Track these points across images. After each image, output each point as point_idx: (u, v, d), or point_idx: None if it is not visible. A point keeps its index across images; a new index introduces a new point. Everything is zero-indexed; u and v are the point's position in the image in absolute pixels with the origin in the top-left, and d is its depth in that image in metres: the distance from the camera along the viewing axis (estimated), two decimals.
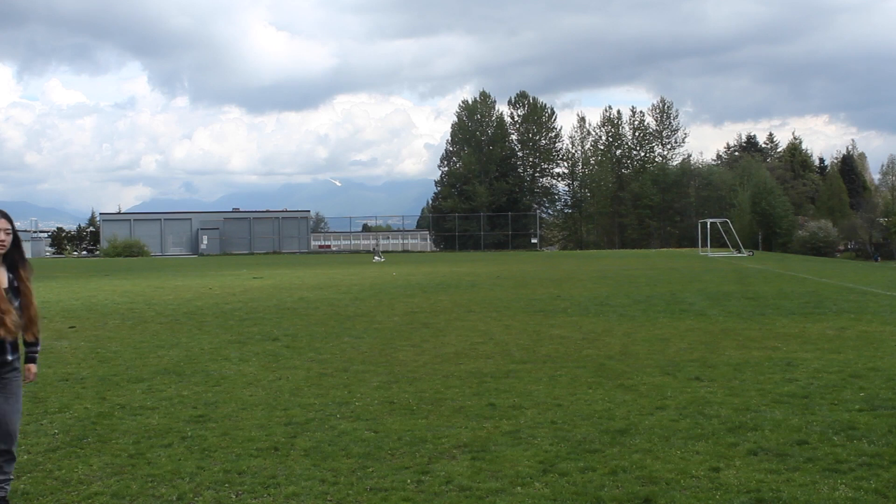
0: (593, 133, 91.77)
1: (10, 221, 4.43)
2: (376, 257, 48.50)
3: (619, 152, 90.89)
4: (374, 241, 53.45)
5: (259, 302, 17.41)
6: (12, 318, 4.31)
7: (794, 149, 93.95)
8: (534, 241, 79.80)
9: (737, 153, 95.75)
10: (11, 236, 4.40)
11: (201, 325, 13.00)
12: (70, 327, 13.01)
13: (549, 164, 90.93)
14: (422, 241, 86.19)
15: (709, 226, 53.89)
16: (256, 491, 4.76)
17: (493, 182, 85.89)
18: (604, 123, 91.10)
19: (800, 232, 70.46)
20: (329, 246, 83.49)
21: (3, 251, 4.37)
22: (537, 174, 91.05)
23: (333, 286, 22.62)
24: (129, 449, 5.65)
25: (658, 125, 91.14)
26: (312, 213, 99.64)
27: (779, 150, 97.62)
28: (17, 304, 4.36)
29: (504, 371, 8.50)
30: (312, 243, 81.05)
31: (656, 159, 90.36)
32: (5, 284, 4.37)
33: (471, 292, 19.62)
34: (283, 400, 7.19)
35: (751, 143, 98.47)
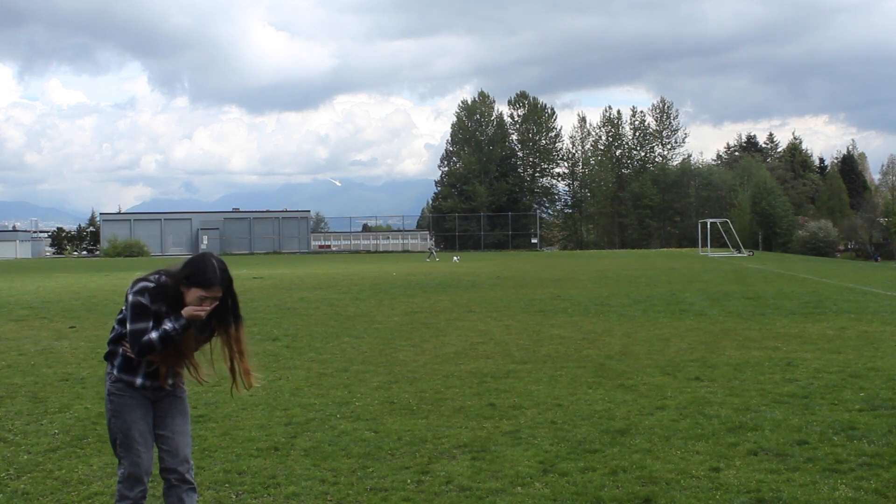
0: (593, 133, 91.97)
1: (229, 285, 3.71)
2: (428, 257, 47.99)
3: (619, 152, 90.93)
4: (430, 241, 52.86)
5: (259, 302, 17.41)
6: (190, 361, 3.82)
7: (794, 149, 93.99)
8: (534, 241, 79.80)
9: (737, 153, 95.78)
10: (218, 303, 3.70)
11: None
12: (70, 327, 13.01)
13: (549, 164, 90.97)
14: (422, 242, 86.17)
15: (709, 226, 53.92)
16: (256, 491, 4.76)
17: (493, 182, 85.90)
18: (604, 123, 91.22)
19: (800, 232, 70.49)
20: (329, 246, 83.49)
21: (197, 321, 3.67)
22: (537, 174, 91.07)
23: (333, 286, 22.62)
24: None
25: (658, 125, 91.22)
26: (312, 213, 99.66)
27: (779, 150, 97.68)
28: (200, 335, 3.79)
29: (504, 371, 8.50)
30: (312, 243, 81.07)
31: (656, 159, 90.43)
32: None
33: (471, 292, 19.62)
34: (283, 400, 7.19)
35: (751, 143, 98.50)
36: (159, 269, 3.77)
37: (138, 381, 3.74)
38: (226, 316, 3.78)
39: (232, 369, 3.87)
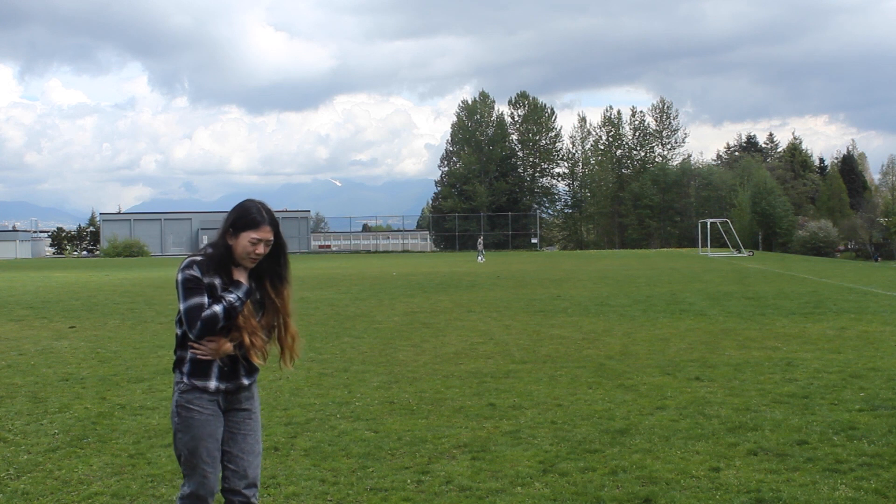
0: (593, 133, 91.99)
1: (276, 228, 3.46)
2: (480, 257, 47.26)
3: (619, 152, 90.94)
4: (480, 241, 51.86)
5: None
6: (262, 339, 3.44)
7: (794, 149, 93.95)
8: (534, 241, 79.82)
9: (737, 153, 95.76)
10: (271, 248, 3.45)
11: None
12: (70, 327, 13.02)
13: (549, 164, 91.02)
14: (422, 241, 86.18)
15: (709, 226, 53.93)
16: None
17: (493, 182, 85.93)
18: (604, 123, 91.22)
19: (800, 232, 70.46)
20: (329, 246, 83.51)
21: (252, 265, 3.43)
22: (537, 174, 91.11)
23: (333, 286, 22.62)
24: (129, 449, 5.64)
25: (658, 125, 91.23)
26: (312, 213, 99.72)
27: (779, 150, 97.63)
28: (258, 318, 3.46)
29: (504, 371, 8.50)
30: (312, 243, 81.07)
31: (656, 159, 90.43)
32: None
33: (471, 292, 19.62)
34: (283, 400, 7.19)
35: (751, 143, 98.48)
36: (204, 245, 3.52)
37: (212, 384, 3.37)
38: (280, 269, 3.50)
39: (282, 338, 3.55)
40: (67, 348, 10.61)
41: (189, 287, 3.29)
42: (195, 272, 3.31)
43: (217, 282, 3.34)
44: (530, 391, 7.42)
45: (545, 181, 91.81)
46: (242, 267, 3.42)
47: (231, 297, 3.32)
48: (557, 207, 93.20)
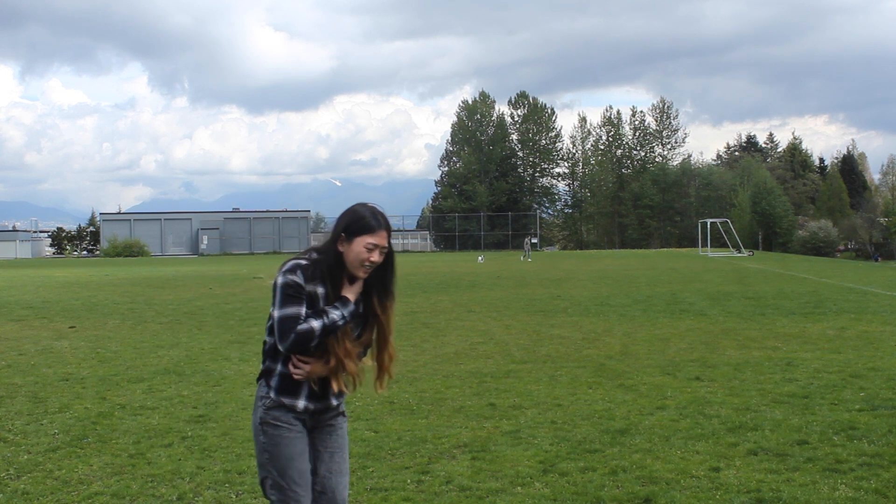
0: (594, 133, 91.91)
1: (390, 233, 3.17)
2: (524, 256, 45.96)
3: (619, 152, 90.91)
4: (527, 240, 49.86)
5: (259, 302, 17.41)
6: (355, 362, 3.12)
7: (794, 149, 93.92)
8: (534, 240, 79.84)
9: (737, 153, 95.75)
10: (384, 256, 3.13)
11: (201, 325, 13.00)
12: (70, 327, 13.02)
13: (549, 164, 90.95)
14: (422, 241, 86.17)
15: (709, 226, 53.91)
16: (256, 491, 4.75)
17: (493, 182, 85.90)
18: (604, 123, 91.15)
19: (800, 232, 70.44)
20: None
21: (364, 275, 3.10)
22: (537, 174, 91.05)
23: None
24: (129, 449, 5.64)
25: (658, 125, 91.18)
26: (312, 213, 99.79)
27: (779, 150, 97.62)
28: (356, 334, 3.15)
29: (504, 371, 8.50)
30: (312, 243, 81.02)
31: (656, 159, 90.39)
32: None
33: (471, 292, 19.62)
34: None
35: (751, 143, 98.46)
36: (308, 248, 3.19)
37: (301, 403, 3.08)
38: (387, 283, 3.17)
39: (381, 358, 3.23)
40: (67, 348, 10.61)
41: (288, 294, 2.99)
42: (298, 278, 3.00)
43: (320, 291, 3.03)
44: (530, 391, 7.42)
45: (545, 181, 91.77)
46: (351, 280, 3.10)
47: (335, 314, 3.00)
48: (557, 207, 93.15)
